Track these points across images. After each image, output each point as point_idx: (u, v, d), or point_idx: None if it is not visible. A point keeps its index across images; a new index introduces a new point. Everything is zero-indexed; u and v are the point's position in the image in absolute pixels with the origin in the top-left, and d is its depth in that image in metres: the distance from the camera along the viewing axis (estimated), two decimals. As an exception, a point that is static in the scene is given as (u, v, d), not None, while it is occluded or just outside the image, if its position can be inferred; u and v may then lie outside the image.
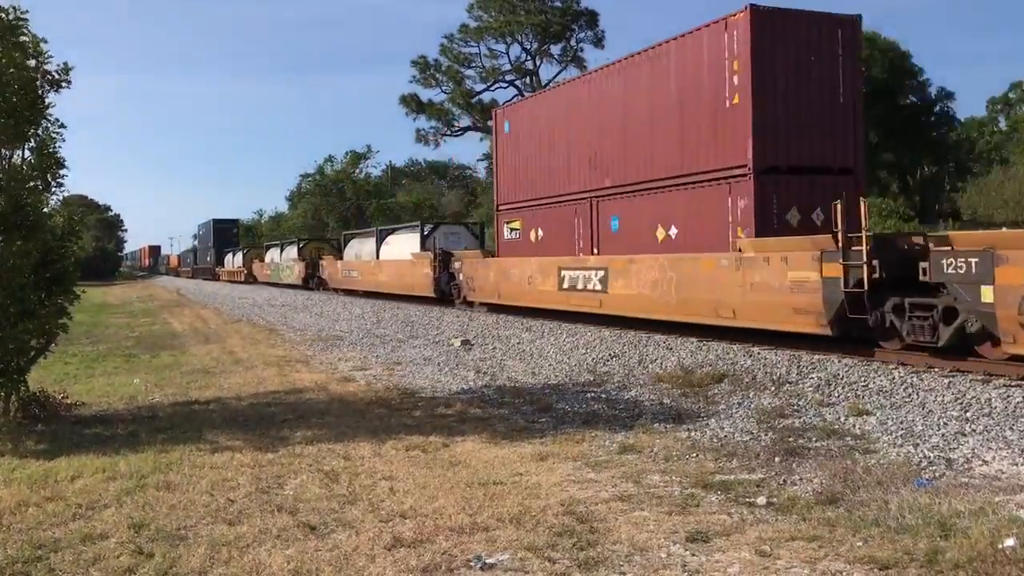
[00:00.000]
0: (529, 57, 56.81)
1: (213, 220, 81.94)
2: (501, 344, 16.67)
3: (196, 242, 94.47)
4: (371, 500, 6.49)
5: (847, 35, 14.97)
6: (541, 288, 20.21)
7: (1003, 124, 48.42)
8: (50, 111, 9.87)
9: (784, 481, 6.78)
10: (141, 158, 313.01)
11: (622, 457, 7.69)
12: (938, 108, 45.99)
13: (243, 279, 61.40)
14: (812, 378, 10.85)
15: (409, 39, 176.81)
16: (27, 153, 9.96)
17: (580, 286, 18.42)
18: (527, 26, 54.52)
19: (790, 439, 8.11)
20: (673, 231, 16.34)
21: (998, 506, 5.82)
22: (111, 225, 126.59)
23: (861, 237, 11.47)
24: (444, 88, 57.81)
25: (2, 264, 9.23)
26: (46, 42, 9.66)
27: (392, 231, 35.60)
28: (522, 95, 57.61)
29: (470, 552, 5.30)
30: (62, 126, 10.01)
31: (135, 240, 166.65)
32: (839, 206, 11.83)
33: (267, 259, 57.05)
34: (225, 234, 79.87)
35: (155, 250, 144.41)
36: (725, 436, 8.42)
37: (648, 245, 16.77)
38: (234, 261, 67.57)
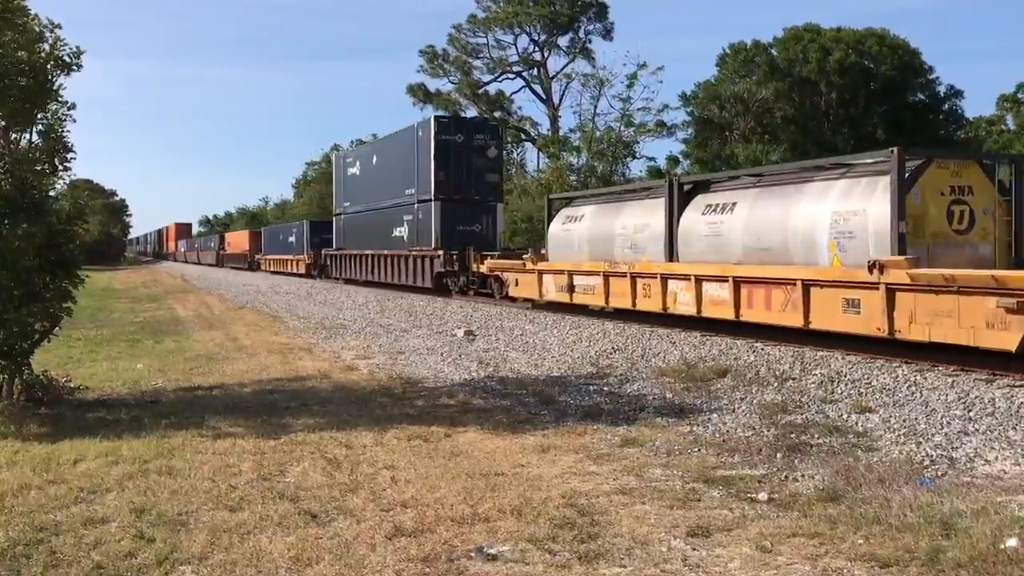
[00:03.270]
0: (537, 48, 56.66)
1: (435, 117, 29.97)
2: (504, 335, 16.66)
3: (337, 196, 40.21)
4: (372, 489, 6.50)
5: None
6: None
7: (1011, 123, 48.20)
8: (60, 94, 9.87)
9: (786, 477, 6.78)
10: (145, 145, 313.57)
11: (624, 450, 7.69)
12: (947, 106, 45.88)
13: None
14: (815, 374, 10.83)
15: (417, 28, 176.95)
16: (35, 136, 9.97)
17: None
18: (535, 17, 54.34)
19: (792, 435, 8.10)
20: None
21: (1000, 506, 5.81)
22: (116, 210, 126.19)
23: None
24: (452, 78, 57.74)
25: (7, 246, 9.24)
26: (60, 28, 9.66)
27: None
28: (529, 87, 57.55)
29: (471, 542, 5.30)
30: (71, 107, 10.00)
31: (138, 227, 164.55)
32: None
33: None
34: (473, 153, 28.39)
35: (184, 229, 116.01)
36: (727, 431, 8.41)
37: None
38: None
